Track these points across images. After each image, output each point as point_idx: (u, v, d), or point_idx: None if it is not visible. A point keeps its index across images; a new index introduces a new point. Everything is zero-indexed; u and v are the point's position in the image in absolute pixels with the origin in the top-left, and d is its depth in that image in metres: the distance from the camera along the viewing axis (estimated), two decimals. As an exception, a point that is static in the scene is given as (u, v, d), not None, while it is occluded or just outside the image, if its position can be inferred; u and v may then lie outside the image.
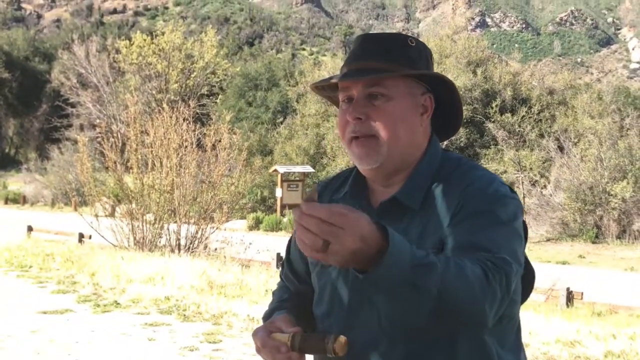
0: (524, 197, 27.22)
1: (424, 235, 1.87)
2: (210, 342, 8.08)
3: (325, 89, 2.11)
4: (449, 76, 32.11)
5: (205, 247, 15.97)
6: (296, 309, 2.15)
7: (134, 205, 15.95)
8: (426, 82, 2.01)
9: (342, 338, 1.86)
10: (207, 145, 16.35)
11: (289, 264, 2.26)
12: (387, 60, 1.95)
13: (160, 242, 15.79)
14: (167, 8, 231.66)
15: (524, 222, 1.94)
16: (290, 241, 2.26)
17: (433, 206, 1.92)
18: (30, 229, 20.37)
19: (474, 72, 35.87)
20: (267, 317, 2.19)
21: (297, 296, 2.22)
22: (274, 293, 2.34)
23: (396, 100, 1.94)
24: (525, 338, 8.24)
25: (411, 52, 1.99)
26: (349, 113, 1.96)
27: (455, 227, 1.84)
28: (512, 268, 1.74)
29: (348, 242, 1.53)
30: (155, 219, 15.89)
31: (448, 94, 2.05)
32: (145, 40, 49.09)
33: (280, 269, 2.37)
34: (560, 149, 28.85)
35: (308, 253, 1.57)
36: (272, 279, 12.08)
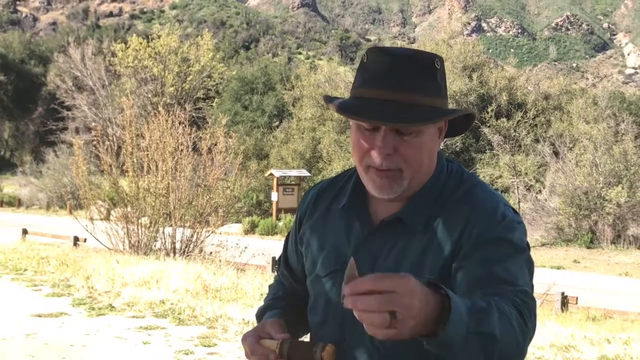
0: (519, 202, 27.27)
1: (424, 256, 1.85)
2: (205, 346, 8.08)
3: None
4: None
5: (201, 250, 15.95)
6: (289, 309, 2.15)
7: (129, 209, 15.94)
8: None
9: (330, 347, 1.84)
10: (202, 149, 16.34)
11: (286, 262, 2.24)
12: (418, 92, 1.80)
13: (155, 245, 15.77)
14: (163, 11, 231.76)
15: (527, 243, 1.91)
16: (287, 239, 2.24)
17: (436, 228, 1.87)
18: (25, 232, 20.34)
19: (470, 77, 35.93)
20: (260, 314, 2.19)
21: (292, 295, 2.21)
22: (270, 287, 2.33)
23: (426, 133, 1.85)
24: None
25: (438, 75, 1.85)
26: (376, 148, 1.82)
27: (468, 257, 1.79)
28: (534, 301, 1.74)
29: (410, 302, 1.44)
30: (150, 223, 15.88)
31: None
32: (141, 43, 49.06)
33: (277, 266, 2.33)
34: (556, 153, 28.92)
35: (382, 335, 1.47)
36: (267, 282, 12.06)
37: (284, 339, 1.93)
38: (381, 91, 1.80)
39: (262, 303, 2.31)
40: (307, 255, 2.08)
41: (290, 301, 2.19)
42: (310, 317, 2.07)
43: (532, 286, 1.80)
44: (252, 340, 1.95)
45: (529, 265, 1.82)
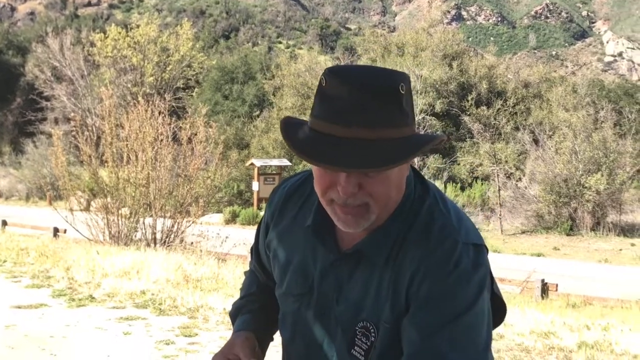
0: (499, 190, 27.37)
1: (384, 295, 1.80)
2: (186, 336, 8.06)
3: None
4: (425, 70, 32.23)
5: (181, 241, 15.92)
6: (261, 311, 2.13)
7: (109, 199, 15.87)
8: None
9: None
10: (183, 139, 16.29)
11: (257, 257, 2.21)
12: (382, 126, 1.66)
13: (135, 236, 15.72)
14: (142, 1, 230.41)
15: (491, 277, 1.83)
16: (258, 232, 2.17)
17: (394, 265, 1.79)
18: (4, 223, 20.22)
19: (450, 66, 36.01)
20: (233, 314, 2.17)
21: (264, 291, 2.19)
22: (245, 275, 2.30)
23: (392, 169, 1.72)
24: (499, 329, 8.30)
25: (404, 101, 1.69)
26: (340, 186, 1.71)
27: (413, 317, 1.74)
28: None
29: None
30: (130, 213, 15.83)
31: None
32: (120, 33, 48.82)
33: (250, 256, 2.29)
34: (535, 141, 29.06)
35: None
36: (249, 272, 12.06)
37: None
38: (340, 128, 1.65)
39: (237, 296, 2.30)
40: (274, 265, 2.04)
41: (263, 299, 2.16)
42: (280, 330, 2.06)
43: (479, 350, 1.73)
44: None
45: (476, 328, 1.73)
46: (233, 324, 2.15)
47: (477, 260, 1.75)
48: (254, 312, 2.11)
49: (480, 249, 1.78)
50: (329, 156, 1.65)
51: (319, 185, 1.77)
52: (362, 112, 1.65)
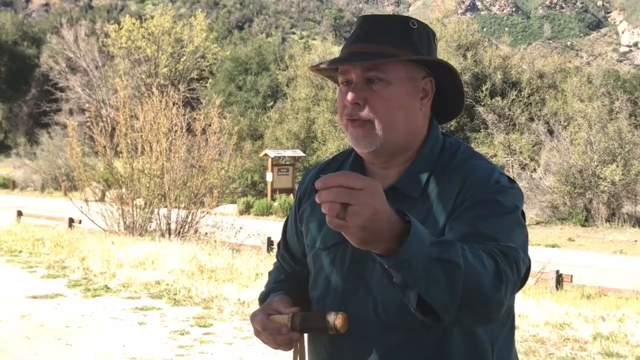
0: (513, 181, 27.29)
1: (424, 224, 1.78)
2: (200, 326, 8.09)
3: (326, 69, 2.04)
4: (439, 60, 32.35)
5: (196, 231, 15.95)
6: (293, 290, 2.14)
7: (123, 190, 15.92)
8: (427, 66, 1.97)
9: (343, 315, 1.86)
10: (197, 130, 16.31)
11: (285, 245, 2.24)
12: (387, 44, 1.90)
13: (150, 226, 15.77)
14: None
15: (522, 212, 1.90)
16: (286, 222, 2.24)
17: (433, 195, 1.89)
18: (20, 213, 20.30)
19: (464, 56, 35.86)
20: (263, 298, 2.17)
21: (293, 277, 2.21)
22: (270, 274, 2.32)
23: (395, 85, 1.89)
24: (515, 320, 8.27)
25: (413, 35, 1.94)
26: (347, 96, 1.90)
27: (458, 217, 1.81)
28: (519, 254, 1.72)
29: (369, 201, 1.48)
30: (145, 204, 15.87)
31: (449, 76, 2.00)
32: (134, 24, 48.87)
33: (277, 250, 2.33)
34: (550, 132, 28.93)
35: (330, 223, 1.51)
36: (263, 263, 12.10)
37: (295, 312, 1.94)
38: (353, 46, 1.94)
39: (258, 285, 2.31)
40: (307, 233, 2.08)
41: (292, 283, 2.18)
42: (311, 292, 2.08)
43: (524, 247, 1.79)
44: (262, 317, 1.96)
45: (520, 227, 1.82)
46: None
47: (511, 183, 1.91)
48: (286, 290, 2.13)
49: (514, 183, 1.93)
50: (339, 59, 1.94)
51: (339, 107, 1.97)
52: (369, 32, 1.94)
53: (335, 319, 1.85)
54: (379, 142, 1.90)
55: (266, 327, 1.94)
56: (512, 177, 1.95)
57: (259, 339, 1.97)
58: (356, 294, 1.93)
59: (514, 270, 1.68)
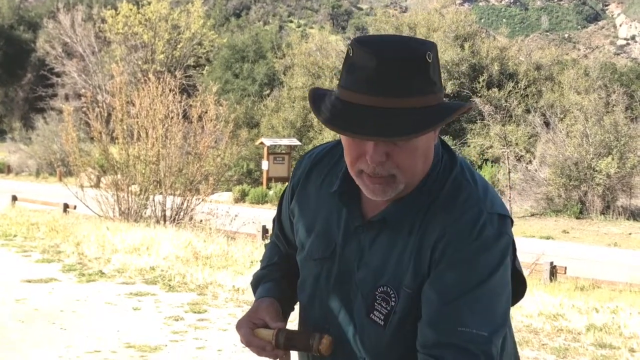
0: (509, 172, 27.33)
1: (406, 263, 1.81)
2: (195, 312, 8.10)
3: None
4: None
5: (191, 218, 15.94)
6: (283, 280, 2.13)
7: (119, 176, 15.90)
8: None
9: (327, 338, 1.86)
10: (193, 117, 16.28)
11: (280, 225, 2.21)
12: (408, 94, 1.68)
13: (145, 213, 15.76)
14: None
15: (514, 250, 1.85)
16: (281, 205, 2.19)
17: (418, 233, 1.81)
18: (14, 198, 20.28)
19: (462, 47, 35.84)
20: (255, 283, 2.17)
21: (287, 260, 2.19)
22: (266, 247, 2.30)
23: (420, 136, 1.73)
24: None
25: (431, 70, 1.72)
26: (368, 155, 1.73)
27: (434, 282, 1.76)
28: (490, 346, 1.72)
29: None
30: (140, 190, 15.86)
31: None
32: (131, 10, 48.68)
33: (272, 226, 2.30)
34: (546, 124, 28.95)
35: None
36: (257, 251, 12.09)
37: (280, 328, 1.93)
38: (367, 97, 1.68)
39: (254, 270, 2.30)
40: (297, 230, 2.06)
41: (284, 269, 2.17)
42: (299, 294, 2.07)
43: (498, 321, 1.76)
44: (247, 332, 1.95)
45: (499, 293, 1.77)
46: (254, 292, 2.16)
47: (501, 229, 1.78)
48: (276, 281, 2.12)
49: (504, 220, 1.80)
50: (357, 125, 1.67)
51: (348, 155, 1.80)
52: (389, 81, 1.67)
53: (320, 343, 1.86)
54: (397, 192, 1.79)
55: (250, 342, 1.94)
56: (503, 213, 1.81)
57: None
58: (339, 315, 1.93)
59: None
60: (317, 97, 1.81)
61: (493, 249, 1.75)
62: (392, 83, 1.67)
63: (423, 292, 1.78)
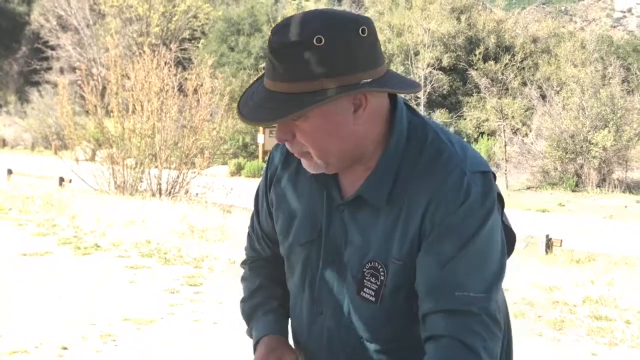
0: (505, 145, 27.32)
1: (391, 235, 1.79)
2: (191, 285, 8.10)
3: None
4: (433, 23, 31.76)
5: (187, 192, 15.94)
6: (281, 308, 2.10)
7: (114, 150, 15.86)
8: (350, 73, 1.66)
9: None
10: (188, 90, 16.23)
11: (259, 225, 2.16)
12: (294, 79, 1.65)
13: (141, 186, 15.75)
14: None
15: (501, 198, 1.84)
16: (257, 202, 2.15)
17: (399, 203, 1.79)
18: (9, 171, 20.23)
19: (458, 19, 35.70)
20: (249, 314, 2.14)
21: (271, 279, 2.15)
22: (244, 279, 2.23)
23: (313, 117, 1.69)
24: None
25: (317, 55, 1.63)
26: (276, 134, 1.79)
27: (427, 250, 1.75)
28: (489, 303, 1.73)
29: None
30: (136, 163, 15.84)
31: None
32: (126, -18, 48.37)
33: (250, 228, 2.25)
34: (543, 97, 28.88)
35: None
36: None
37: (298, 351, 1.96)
38: (266, 79, 1.71)
39: (242, 250, 2.26)
40: (278, 219, 2.02)
41: (275, 292, 2.13)
42: (288, 281, 2.05)
43: (493, 282, 1.76)
44: None
45: (491, 252, 1.76)
46: (247, 323, 2.14)
47: (485, 187, 1.77)
48: (275, 312, 2.09)
49: (487, 176, 1.79)
50: (242, 107, 1.75)
51: None
52: (271, 64, 1.69)
53: None
54: (322, 167, 1.79)
55: None
56: (485, 169, 1.80)
57: None
58: (331, 298, 1.90)
59: (491, 332, 1.73)
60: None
61: (480, 209, 1.74)
62: (272, 66, 1.68)
63: (417, 262, 1.76)
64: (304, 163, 1.82)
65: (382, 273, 1.80)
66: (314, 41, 1.62)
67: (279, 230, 2.01)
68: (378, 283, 1.80)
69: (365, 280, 1.82)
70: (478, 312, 1.70)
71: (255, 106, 1.70)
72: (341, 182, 1.88)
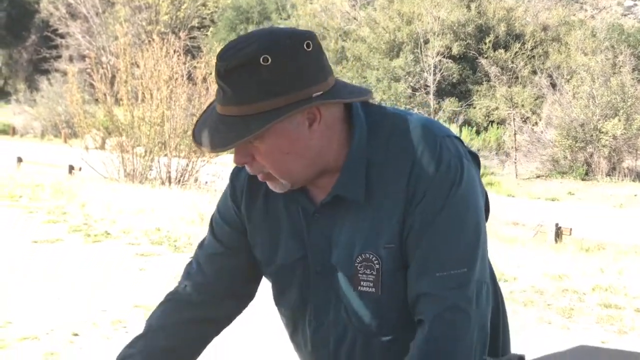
0: (515, 134, 27.26)
1: (377, 226, 1.77)
2: (201, 273, 8.11)
3: None
4: (442, 11, 31.62)
5: (196, 180, 15.97)
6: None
7: (124, 138, 15.90)
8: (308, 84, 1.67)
9: None
10: (197, 78, 16.23)
11: (218, 230, 2.12)
12: (242, 102, 1.64)
13: (150, 174, 15.78)
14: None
15: (476, 155, 1.86)
16: (211, 223, 2.15)
17: (379, 194, 1.77)
18: (20, 160, 20.30)
19: (468, 7, 35.52)
20: None
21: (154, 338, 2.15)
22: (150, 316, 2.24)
23: (268, 137, 1.68)
24: (513, 272, 8.32)
25: (265, 75, 1.63)
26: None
27: (409, 235, 1.75)
28: (470, 279, 1.73)
29: None
30: (145, 152, 15.87)
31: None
32: (135, -30, 48.36)
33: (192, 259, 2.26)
34: (553, 85, 28.77)
35: None
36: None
37: None
38: (218, 104, 1.71)
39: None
40: (255, 246, 1.98)
41: (160, 344, 2.13)
42: (281, 308, 2.03)
43: (477, 256, 1.76)
44: None
45: (473, 225, 1.76)
46: None
47: (458, 151, 1.78)
48: None
49: (457, 141, 1.81)
50: (197, 133, 1.74)
51: None
52: (221, 89, 1.68)
53: None
54: (288, 186, 1.78)
55: None
56: (452, 134, 1.82)
57: None
58: (329, 302, 1.88)
59: (477, 303, 1.74)
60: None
61: (460, 192, 1.75)
62: (227, 88, 1.66)
63: (406, 245, 1.76)
64: (270, 184, 1.79)
65: (376, 262, 1.78)
66: (261, 61, 1.62)
67: (261, 258, 1.97)
68: (374, 273, 1.78)
69: (359, 275, 1.80)
70: (460, 290, 1.71)
71: (209, 132, 1.69)
72: (312, 192, 1.85)
